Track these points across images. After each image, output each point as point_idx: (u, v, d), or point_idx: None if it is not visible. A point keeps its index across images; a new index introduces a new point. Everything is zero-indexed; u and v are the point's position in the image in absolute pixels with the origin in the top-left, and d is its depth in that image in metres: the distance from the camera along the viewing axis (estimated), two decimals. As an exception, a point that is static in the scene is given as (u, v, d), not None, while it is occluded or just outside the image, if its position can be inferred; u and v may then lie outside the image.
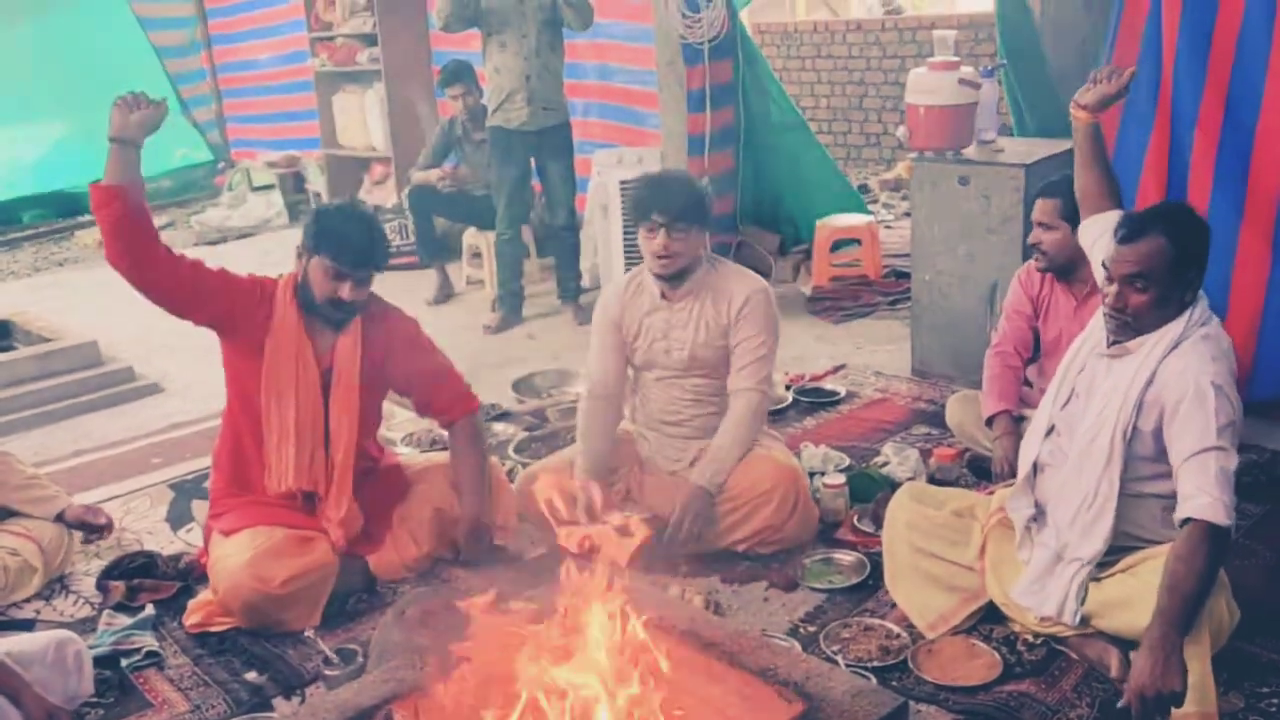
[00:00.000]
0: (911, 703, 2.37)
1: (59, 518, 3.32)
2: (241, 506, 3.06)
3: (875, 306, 5.64)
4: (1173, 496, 2.40)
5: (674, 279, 3.20)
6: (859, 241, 6.04)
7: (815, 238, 5.99)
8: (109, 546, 3.49)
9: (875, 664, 2.64)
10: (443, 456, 3.37)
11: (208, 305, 2.98)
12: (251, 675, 2.77)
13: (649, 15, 5.81)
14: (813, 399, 4.45)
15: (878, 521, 3.17)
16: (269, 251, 7.77)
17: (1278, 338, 3.67)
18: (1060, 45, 5.13)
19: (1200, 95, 3.63)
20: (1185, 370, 2.37)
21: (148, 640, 2.91)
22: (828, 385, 4.58)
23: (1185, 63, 3.63)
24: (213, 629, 2.95)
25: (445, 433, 3.37)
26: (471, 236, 6.42)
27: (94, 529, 3.40)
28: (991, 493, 2.96)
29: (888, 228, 7.11)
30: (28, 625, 3.05)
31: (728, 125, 5.91)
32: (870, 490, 3.46)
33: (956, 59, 4.47)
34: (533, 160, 5.61)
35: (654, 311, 3.27)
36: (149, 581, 3.18)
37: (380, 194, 8.11)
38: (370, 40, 7.96)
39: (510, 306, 5.77)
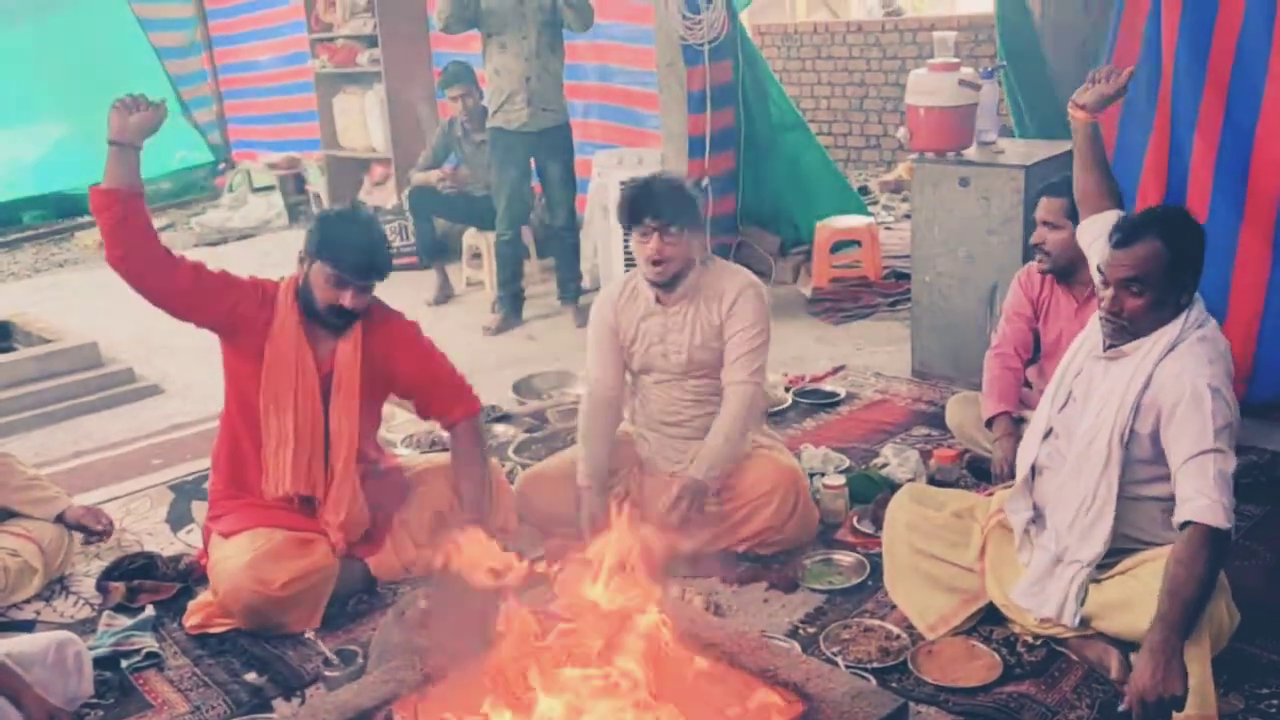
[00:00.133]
0: (911, 704, 2.38)
1: (59, 519, 3.33)
2: (240, 508, 3.05)
3: (875, 308, 5.64)
4: (1171, 499, 2.40)
5: (668, 284, 3.19)
6: (859, 243, 6.04)
7: (815, 239, 6.00)
8: (109, 548, 3.49)
9: (875, 665, 2.64)
10: (443, 458, 3.37)
11: (208, 308, 2.97)
12: (251, 676, 2.77)
13: (649, 16, 5.82)
14: (813, 400, 4.45)
15: (878, 523, 3.17)
16: (269, 253, 7.77)
17: (1278, 339, 3.67)
18: (1060, 47, 5.14)
19: (1200, 96, 3.63)
20: (1182, 373, 2.37)
21: (148, 641, 2.91)
22: (828, 386, 4.58)
23: (1185, 64, 3.63)
24: (213, 630, 2.95)
25: (445, 434, 3.37)
26: (471, 237, 6.43)
27: (93, 534, 3.40)
28: (991, 494, 2.96)
29: (888, 229, 7.11)
30: (28, 626, 3.05)
31: (728, 126, 5.91)
32: (870, 491, 3.46)
33: (956, 60, 4.47)
34: (533, 161, 5.61)
35: (649, 316, 3.26)
36: (149, 583, 3.19)
37: (380, 195, 8.11)
38: (371, 41, 7.96)
39: (510, 307, 5.77)
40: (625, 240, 5.63)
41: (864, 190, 8.20)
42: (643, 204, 3.11)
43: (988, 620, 2.77)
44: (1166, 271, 2.40)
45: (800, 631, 2.85)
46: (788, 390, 4.50)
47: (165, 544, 3.54)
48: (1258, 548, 3.07)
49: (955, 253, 4.38)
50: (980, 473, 3.56)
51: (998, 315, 3.81)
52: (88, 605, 3.18)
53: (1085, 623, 2.55)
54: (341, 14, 8.17)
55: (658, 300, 3.24)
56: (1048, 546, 2.61)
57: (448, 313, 6.14)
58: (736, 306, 3.20)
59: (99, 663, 2.75)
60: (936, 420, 4.06)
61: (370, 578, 3.14)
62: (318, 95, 8.48)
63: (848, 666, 2.59)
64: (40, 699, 2.35)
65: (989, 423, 3.42)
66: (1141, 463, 2.47)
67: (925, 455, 3.72)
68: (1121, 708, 2.20)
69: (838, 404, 4.42)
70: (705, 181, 5.81)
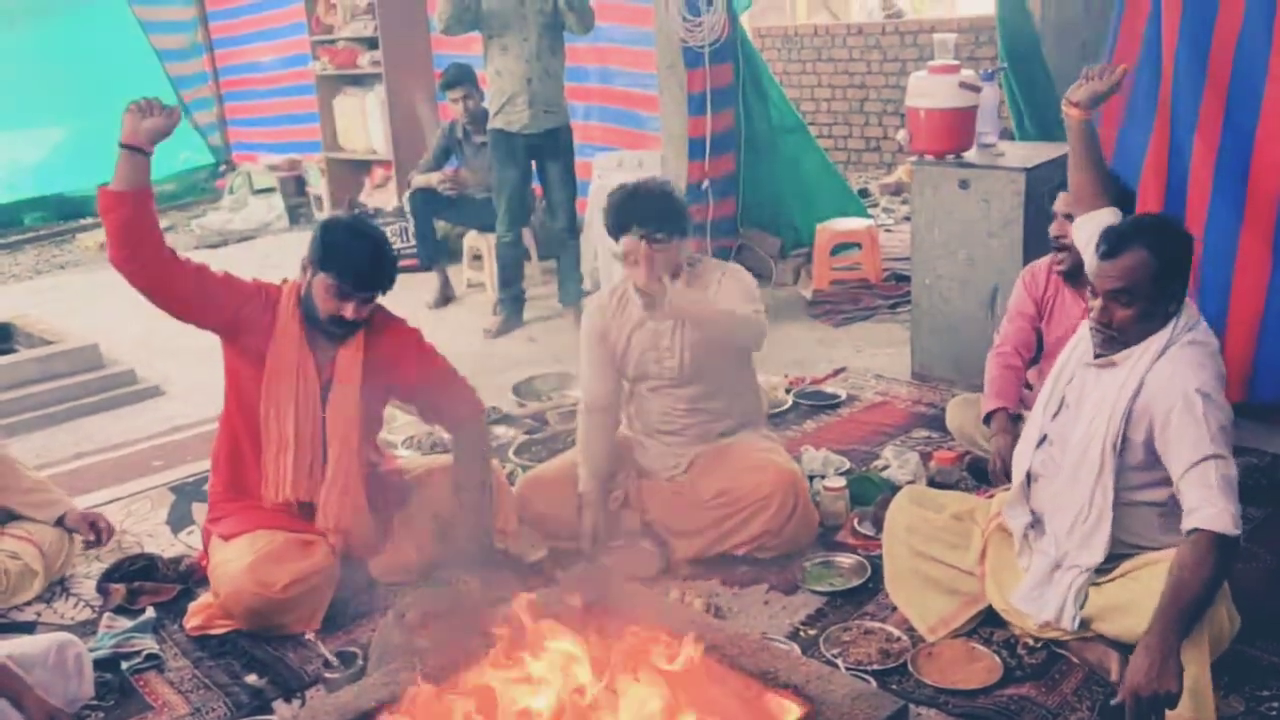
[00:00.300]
0: (911, 706, 2.38)
1: (59, 522, 3.33)
2: (240, 511, 3.05)
3: (875, 310, 5.65)
4: (1167, 503, 2.41)
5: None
6: (859, 245, 6.05)
7: (816, 241, 6.00)
8: (109, 550, 3.49)
9: (875, 667, 2.64)
10: (444, 460, 3.36)
11: (211, 310, 2.96)
12: (252, 678, 2.77)
13: (650, 19, 5.82)
14: (813, 402, 4.45)
15: (878, 524, 3.17)
16: (269, 255, 7.79)
17: (1278, 341, 3.67)
18: (1061, 48, 5.14)
19: (1200, 98, 3.63)
20: (1173, 377, 2.37)
21: (148, 643, 2.91)
22: (828, 388, 4.58)
23: (1185, 66, 3.63)
24: (213, 632, 2.95)
25: (446, 436, 3.36)
26: (472, 239, 6.43)
27: (91, 544, 3.40)
28: (991, 496, 2.96)
29: (888, 231, 7.12)
30: (29, 628, 3.04)
31: (728, 129, 5.92)
32: (870, 493, 3.46)
33: (957, 62, 4.47)
34: (533, 163, 5.62)
35: (641, 324, 3.24)
36: (149, 584, 3.18)
37: (381, 197, 8.12)
38: (371, 43, 7.97)
39: (511, 309, 5.78)
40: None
41: (864, 193, 8.20)
42: (629, 212, 3.09)
43: (988, 622, 2.77)
44: (1154, 281, 2.39)
45: (800, 633, 2.84)
46: (788, 392, 4.50)
47: (166, 546, 3.54)
48: (1258, 550, 3.07)
49: (955, 255, 4.39)
50: (980, 475, 3.56)
51: (998, 317, 3.81)
52: (88, 607, 3.18)
53: (1085, 625, 2.55)
54: (342, 16, 8.18)
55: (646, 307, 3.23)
56: (1047, 552, 2.60)
57: (448, 315, 6.14)
58: (723, 284, 3.20)
59: (99, 664, 2.75)
60: (937, 422, 4.06)
61: (371, 579, 3.14)
62: (318, 97, 8.50)
63: (848, 668, 2.59)
64: (41, 700, 2.36)
65: (986, 419, 3.42)
66: (1136, 469, 2.46)
67: (925, 457, 3.72)
68: (1114, 701, 2.20)
69: (838, 406, 4.42)
70: (705, 184, 5.82)
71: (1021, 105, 5.14)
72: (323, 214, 8.54)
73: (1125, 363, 2.45)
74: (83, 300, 6.78)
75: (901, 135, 4.57)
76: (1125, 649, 2.48)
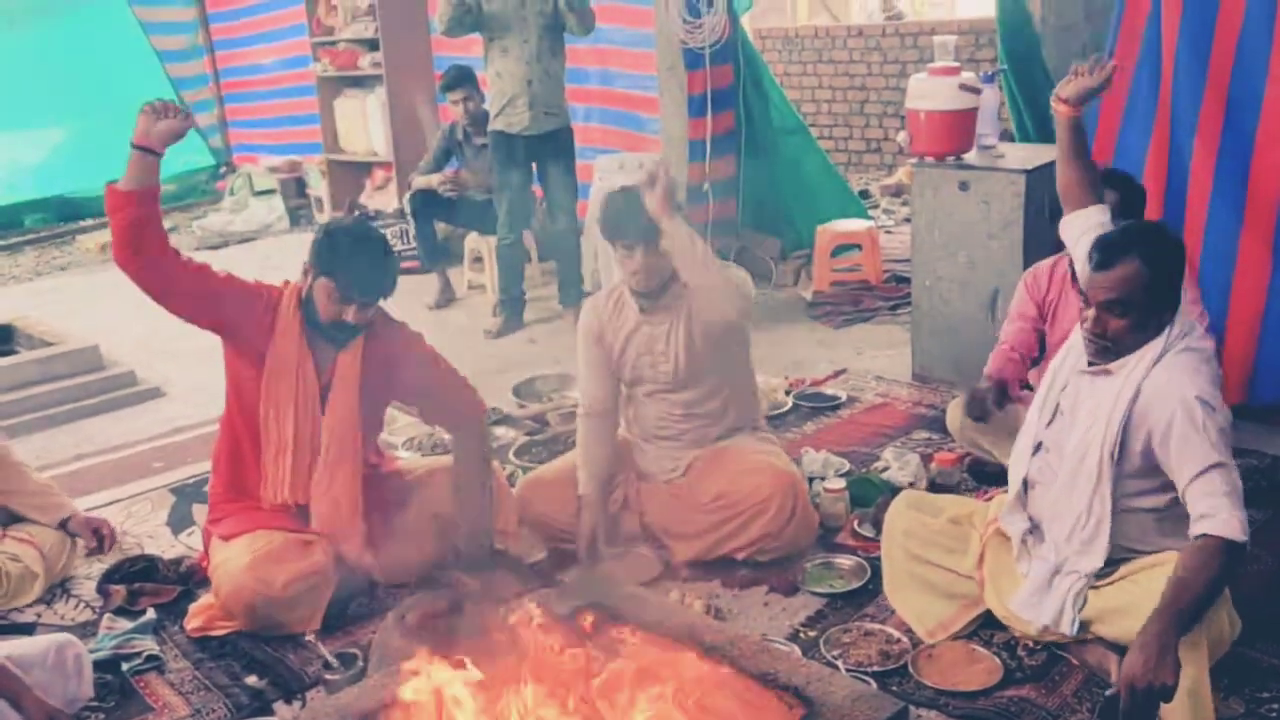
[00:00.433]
0: (912, 707, 2.37)
1: (63, 525, 3.33)
2: (240, 511, 3.05)
3: (876, 311, 5.65)
4: (1165, 509, 2.41)
5: (652, 293, 3.17)
6: (860, 247, 6.05)
7: (816, 243, 6.00)
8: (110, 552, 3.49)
9: (875, 669, 2.64)
10: (444, 461, 3.36)
11: (213, 310, 2.96)
12: (252, 679, 2.78)
13: (650, 20, 5.83)
14: (813, 404, 4.45)
15: (878, 526, 3.17)
16: (270, 256, 7.79)
17: (1278, 342, 3.67)
18: (1061, 50, 5.13)
19: (1200, 100, 3.63)
20: (1170, 384, 2.36)
21: (148, 644, 2.91)
22: (828, 390, 4.58)
23: (1185, 67, 3.64)
24: (213, 633, 2.95)
25: (446, 437, 3.36)
26: (473, 241, 6.43)
27: (93, 551, 3.40)
28: (990, 498, 2.96)
29: (888, 233, 7.12)
30: (29, 629, 3.05)
31: (729, 130, 5.92)
32: (870, 495, 3.46)
33: (957, 64, 4.47)
34: (534, 165, 5.62)
35: (637, 328, 3.24)
36: (150, 585, 3.19)
37: (382, 199, 8.11)
38: (372, 45, 7.97)
39: (511, 311, 5.78)
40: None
41: (864, 194, 8.20)
42: (623, 220, 3.08)
43: (988, 624, 2.77)
44: (1148, 291, 2.38)
45: (801, 635, 2.85)
46: (788, 393, 4.50)
47: (166, 547, 3.54)
48: (1259, 552, 3.06)
49: (955, 257, 4.39)
50: (981, 476, 3.56)
51: (999, 320, 3.81)
52: (88, 608, 3.18)
53: (1085, 627, 2.55)
54: (343, 17, 8.18)
55: (642, 310, 3.23)
56: (1046, 558, 2.60)
57: (449, 316, 6.14)
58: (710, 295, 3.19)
59: (99, 665, 2.76)
60: (937, 424, 4.06)
61: (371, 581, 3.14)
62: (319, 99, 8.49)
63: (848, 670, 2.59)
64: (40, 701, 2.36)
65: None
66: (1133, 477, 2.46)
67: (926, 459, 3.72)
68: (1109, 692, 2.20)
69: (838, 407, 4.42)
70: (706, 185, 5.82)
71: (1021, 107, 5.14)
72: (323, 216, 8.55)
73: (1121, 371, 2.44)
74: (83, 302, 6.78)
75: (902, 137, 4.57)
76: (1124, 651, 2.48)
